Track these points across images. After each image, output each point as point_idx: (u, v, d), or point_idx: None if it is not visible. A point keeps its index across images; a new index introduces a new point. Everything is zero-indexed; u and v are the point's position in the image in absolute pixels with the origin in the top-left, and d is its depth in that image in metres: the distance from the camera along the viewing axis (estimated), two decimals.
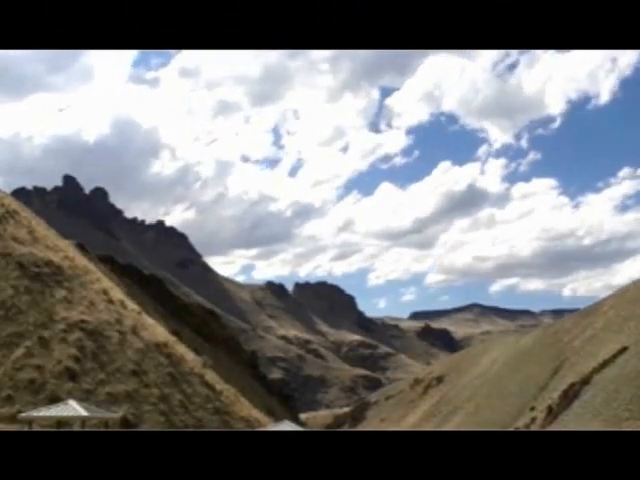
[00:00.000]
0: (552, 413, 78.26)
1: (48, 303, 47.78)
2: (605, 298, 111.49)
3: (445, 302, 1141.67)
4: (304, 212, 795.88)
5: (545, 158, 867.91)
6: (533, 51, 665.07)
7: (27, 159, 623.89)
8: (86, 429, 31.88)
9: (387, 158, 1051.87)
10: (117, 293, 59.12)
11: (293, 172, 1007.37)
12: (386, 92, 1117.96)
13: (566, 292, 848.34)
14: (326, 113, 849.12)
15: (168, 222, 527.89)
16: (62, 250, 58.53)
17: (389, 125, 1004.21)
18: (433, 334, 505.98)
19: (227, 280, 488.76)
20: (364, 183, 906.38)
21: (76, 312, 47.93)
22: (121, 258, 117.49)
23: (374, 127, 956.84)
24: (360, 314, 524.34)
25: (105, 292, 54.24)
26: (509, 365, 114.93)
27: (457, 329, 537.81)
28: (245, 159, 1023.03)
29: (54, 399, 38.08)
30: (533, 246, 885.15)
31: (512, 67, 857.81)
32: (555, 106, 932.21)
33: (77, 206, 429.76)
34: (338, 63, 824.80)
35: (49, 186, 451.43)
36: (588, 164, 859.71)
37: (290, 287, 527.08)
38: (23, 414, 32.93)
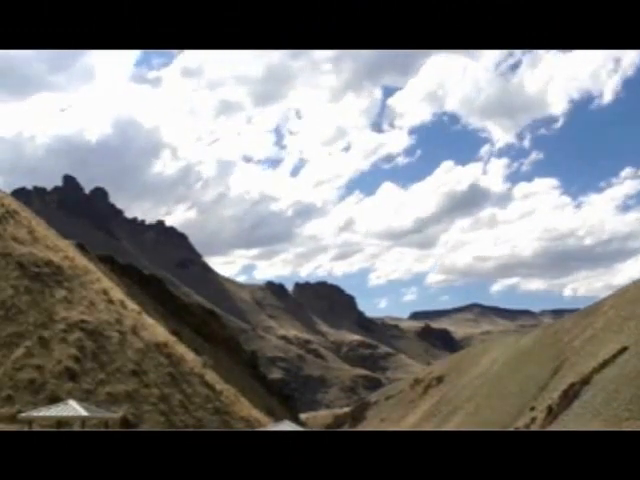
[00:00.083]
0: (552, 413, 78.27)
1: (48, 303, 47.79)
2: (605, 298, 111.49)
3: (445, 302, 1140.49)
4: (305, 212, 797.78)
5: (547, 158, 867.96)
6: (536, 51, 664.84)
7: (29, 159, 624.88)
8: (86, 429, 31.88)
9: (389, 158, 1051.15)
10: (117, 293, 59.12)
11: (295, 172, 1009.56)
12: (389, 92, 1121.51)
13: (567, 292, 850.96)
14: (328, 113, 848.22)
15: (169, 222, 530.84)
16: (62, 250, 58.54)
17: (391, 125, 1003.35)
18: (433, 334, 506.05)
19: (227, 280, 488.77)
20: (366, 183, 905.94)
21: (76, 312, 47.93)
22: (121, 258, 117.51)
23: (376, 127, 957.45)
24: (360, 314, 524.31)
25: (105, 292, 54.25)
26: (509, 365, 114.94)
27: (457, 329, 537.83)
28: (247, 159, 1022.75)
29: (54, 399, 38.09)
30: (534, 246, 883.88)
31: (515, 67, 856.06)
32: (557, 106, 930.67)
33: (77, 206, 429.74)
34: (340, 63, 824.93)
35: (52, 186, 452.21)
36: (590, 164, 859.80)
37: (291, 287, 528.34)
38: (23, 414, 32.94)
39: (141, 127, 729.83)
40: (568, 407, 75.17)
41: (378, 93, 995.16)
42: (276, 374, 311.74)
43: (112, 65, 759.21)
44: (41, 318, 45.89)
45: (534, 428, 77.77)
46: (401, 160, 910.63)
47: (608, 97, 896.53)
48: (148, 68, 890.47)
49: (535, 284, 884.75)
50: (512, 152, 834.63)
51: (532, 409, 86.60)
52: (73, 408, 31.47)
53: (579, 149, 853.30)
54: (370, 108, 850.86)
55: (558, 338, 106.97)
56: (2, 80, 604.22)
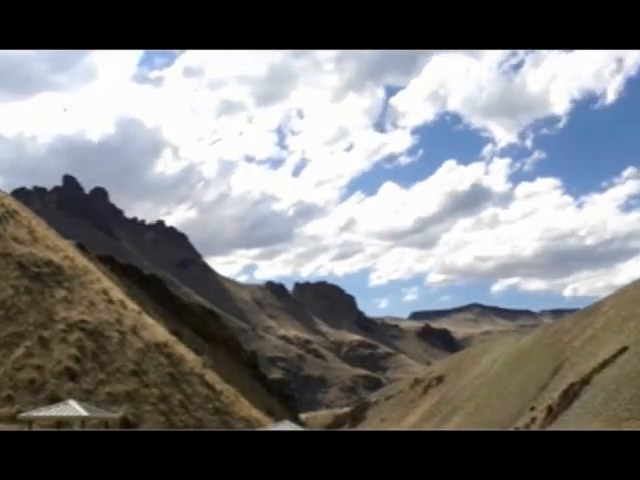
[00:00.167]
0: (552, 413, 78.25)
1: (48, 303, 47.79)
2: (605, 298, 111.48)
3: (446, 302, 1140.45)
4: (306, 212, 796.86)
5: (549, 157, 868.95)
6: (538, 51, 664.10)
7: (31, 158, 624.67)
8: (86, 429, 31.89)
9: (392, 158, 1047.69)
10: (117, 293, 59.12)
11: (297, 172, 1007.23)
12: (391, 91, 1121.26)
13: (567, 292, 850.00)
14: (330, 113, 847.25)
15: (170, 222, 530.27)
16: (62, 250, 58.54)
17: (394, 125, 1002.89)
18: (433, 334, 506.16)
19: (227, 280, 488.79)
20: (368, 183, 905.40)
21: (76, 312, 47.94)
22: (121, 258, 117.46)
23: (379, 127, 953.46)
24: (360, 314, 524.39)
25: (105, 292, 54.26)
26: (509, 365, 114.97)
27: (457, 329, 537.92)
28: (249, 159, 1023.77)
29: (54, 399, 38.10)
30: (535, 246, 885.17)
31: (517, 67, 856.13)
32: (560, 106, 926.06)
33: (77, 206, 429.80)
34: (343, 63, 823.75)
35: (52, 186, 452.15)
36: (592, 164, 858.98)
37: (291, 287, 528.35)
38: (23, 414, 32.96)
39: (143, 127, 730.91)
40: (568, 407, 75.15)
41: (380, 93, 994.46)
42: (276, 374, 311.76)
43: (114, 65, 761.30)
44: (41, 318, 45.90)
45: (534, 428, 77.75)
46: (403, 160, 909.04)
47: (611, 97, 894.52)
48: (150, 68, 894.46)
49: (535, 284, 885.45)
50: (514, 152, 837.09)
51: (532, 409, 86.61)
52: (73, 408, 31.48)
53: (581, 149, 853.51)
54: (372, 108, 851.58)
55: (558, 338, 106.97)
56: (4, 80, 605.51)
